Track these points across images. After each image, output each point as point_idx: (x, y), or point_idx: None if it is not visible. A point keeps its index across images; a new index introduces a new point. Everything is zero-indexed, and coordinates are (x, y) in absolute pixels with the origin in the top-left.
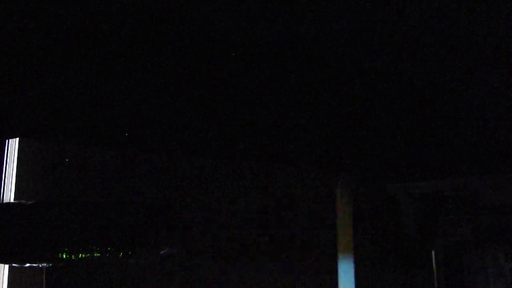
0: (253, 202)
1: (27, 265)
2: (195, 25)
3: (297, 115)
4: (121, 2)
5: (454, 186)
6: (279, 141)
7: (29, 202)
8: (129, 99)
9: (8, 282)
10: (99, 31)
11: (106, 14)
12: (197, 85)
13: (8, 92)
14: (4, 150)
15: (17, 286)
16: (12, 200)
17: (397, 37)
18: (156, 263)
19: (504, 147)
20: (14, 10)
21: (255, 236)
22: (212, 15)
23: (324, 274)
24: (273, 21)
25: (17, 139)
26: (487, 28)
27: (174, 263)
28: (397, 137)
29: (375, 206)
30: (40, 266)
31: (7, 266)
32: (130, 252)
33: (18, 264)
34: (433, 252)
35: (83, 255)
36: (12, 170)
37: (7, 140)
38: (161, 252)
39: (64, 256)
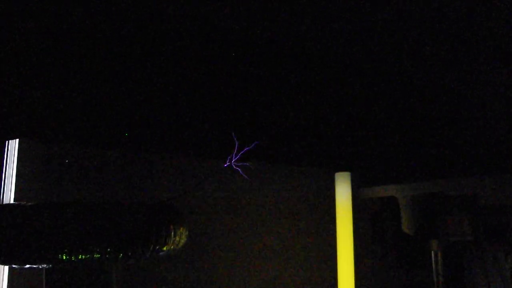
0: (253, 202)
1: (27, 266)
2: (195, 25)
3: (297, 116)
4: (121, 3)
5: (454, 186)
6: (280, 141)
7: (29, 203)
8: (128, 100)
9: (8, 283)
10: (99, 32)
11: (106, 16)
12: (196, 86)
13: (9, 94)
14: (4, 151)
15: (17, 287)
16: (12, 201)
17: (396, 37)
18: (156, 263)
19: (504, 148)
20: (15, 11)
21: (256, 236)
22: (211, 15)
23: (324, 272)
24: (272, 21)
25: (17, 140)
26: (488, 28)
27: (174, 262)
28: (397, 137)
29: (375, 206)
30: (40, 267)
31: (7, 267)
32: (130, 253)
33: (18, 265)
34: (433, 252)
35: (83, 256)
36: (12, 171)
37: (7, 141)
38: (161, 252)
39: (64, 257)
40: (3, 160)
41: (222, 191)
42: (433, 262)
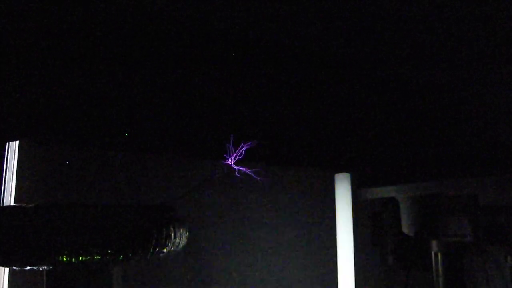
0: (253, 203)
1: (28, 268)
2: (195, 24)
3: (297, 116)
4: (121, 3)
5: (455, 187)
6: (279, 142)
7: (29, 205)
8: (129, 100)
9: (8, 285)
10: (100, 33)
11: (106, 16)
12: (196, 85)
13: (9, 95)
14: (4, 153)
15: None
16: (12, 203)
17: (396, 37)
18: (157, 264)
19: (504, 148)
20: (15, 11)
21: (255, 237)
22: (211, 15)
23: (324, 273)
24: (271, 21)
25: (17, 142)
26: (488, 27)
27: (174, 263)
28: (398, 138)
29: (375, 207)
30: (41, 269)
31: (7, 269)
32: (130, 254)
33: (19, 267)
34: (433, 253)
35: (84, 258)
36: (12, 173)
37: (7, 143)
38: (161, 253)
39: (65, 258)
40: (3, 162)
41: (222, 192)
42: (433, 263)
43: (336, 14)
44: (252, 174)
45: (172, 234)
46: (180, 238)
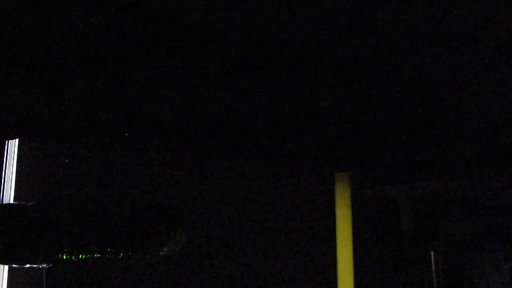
0: (253, 202)
1: (27, 266)
2: (194, 24)
3: (296, 115)
4: (121, 3)
5: (454, 186)
6: (278, 141)
7: (29, 203)
8: (129, 100)
9: (7, 283)
10: (100, 32)
11: (106, 16)
12: (196, 85)
13: (8, 93)
14: (4, 151)
15: (16, 287)
16: (12, 201)
17: (396, 35)
18: (156, 263)
19: (505, 148)
20: (14, 10)
21: (255, 236)
22: (210, 15)
23: (324, 272)
24: (270, 20)
25: (17, 139)
26: (489, 27)
27: (174, 261)
28: (397, 138)
29: (374, 206)
30: (40, 267)
31: (6, 266)
32: (130, 253)
33: (18, 265)
34: (432, 253)
35: (84, 256)
36: (12, 171)
37: (7, 141)
38: (161, 252)
39: (65, 257)
40: (3, 159)
41: (222, 191)
42: (432, 262)
43: (336, 15)
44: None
45: (173, 232)
46: (180, 236)
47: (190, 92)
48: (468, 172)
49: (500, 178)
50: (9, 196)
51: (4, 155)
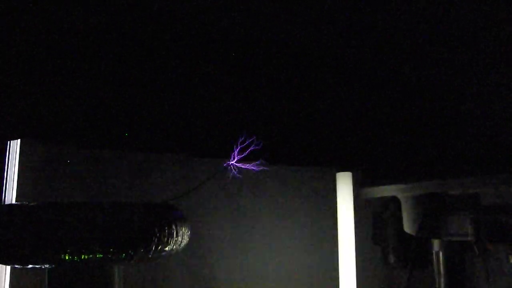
0: (254, 202)
1: (29, 266)
2: (194, 24)
3: (298, 115)
4: (121, 3)
5: (456, 186)
6: (280, 140)
7: (31, 203)
8: (129, 100)
9: (9, 283)
10: (100, 32)
11: (106, 16)
12: (196, 85)
13: (10, 94)
14: (6, 152)
15: (18, 287)
16: (13, 201)
17: (398, 36)
18: (158, 263)
19: (506, 147)
20: (15, 12)
21: (256, 236)
22: (211, 14)
23: (325, 272)
24: (273, 20)
25: (19, 140)
26: (489, 27)
27: (175, 262)
28: (399, 137)
29: (376, 206)
30: (43, 267)
31: (9, 267)
32: (132, 253)
33: (20, 265)
34: (434, 252)
35: (86, 256)
36: (14, 171)
37: (8, 142)
38: (163, 252)
39: (67, 257)
40: (5, 160)
41: (223, 191)
42: (434, 262)
43: (337, 15)
44: (254, 168)
45: (174, 233)
46: (182, 237)
47: (190, 92)
48: (470, 171)
49: (502, 177)
50: (11, 196)
51: (6, 155)
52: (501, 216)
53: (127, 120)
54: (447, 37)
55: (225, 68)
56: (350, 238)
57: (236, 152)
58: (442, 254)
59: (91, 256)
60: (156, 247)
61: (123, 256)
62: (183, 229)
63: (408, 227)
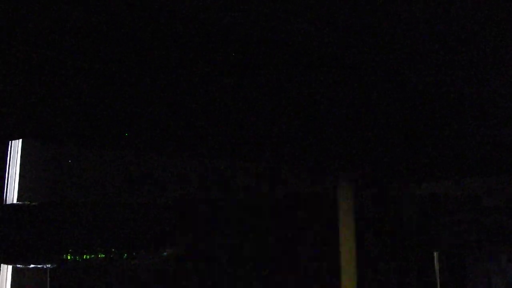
0: (255, 203)
1: (32, 266)
2: (194, 23)
3: (299, 116)
4: (121, 3)
5: (457, 187)
6: (281, 142)
7: (33, 204)
8: (129, 100)
9: (12, 283)
10: (100, 32)
11: (106, 16)
12: (196, 85)
13: (11, 95)
14: (8, 152)
15: (21, 287)
16: (15, 201)
17: (397, 38)
18: (159, 263)
19: (506, 148)
20: (15, 11)
21: (257, 237)
22: (212, 14)
23: (326, 274)
24: (273, 20)
25: (20, 140)
26: (490, 28)
27: (176, 263)
28: (399, 139)
29: (377, 207)
30: (44, 267)
31: (11, 266)
32: (134, 253)
33: (22, 265)
34: (435, 254)
35: (88, 256)
36: (15, 171)
37: (10, 142)
38: (164, 253)
39: (69, 257)
40: (6, 160)
41: (223, 192)
42: (435, 263)
43: (338, 15)
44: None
45: (175, 234)
46: (183, 238)
47: (190, 92)
48: (470, 173)
49: (503, 178)
50: (13, 197)
51: (7, 155)
52: (501, 217)
53: (127, 120)
54: (447, 37)
55: (225, 68)
56: (350, 239)
57: None
58: (443, 256)
59: (93, 256)
60: (157, 248)
61: (125, 257)
62: (184, 230)
63: (408, 228)
